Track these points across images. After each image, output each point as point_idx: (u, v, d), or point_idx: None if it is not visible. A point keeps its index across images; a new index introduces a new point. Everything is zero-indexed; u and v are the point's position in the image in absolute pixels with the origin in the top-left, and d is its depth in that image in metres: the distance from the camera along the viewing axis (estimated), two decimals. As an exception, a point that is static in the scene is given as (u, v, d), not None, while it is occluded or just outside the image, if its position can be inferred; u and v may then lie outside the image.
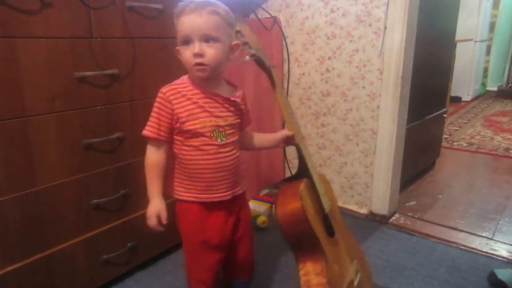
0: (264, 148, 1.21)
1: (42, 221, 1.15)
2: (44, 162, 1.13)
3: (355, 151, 1.91)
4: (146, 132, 0.97)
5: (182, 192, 1.02)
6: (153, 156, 0.99)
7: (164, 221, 0.99)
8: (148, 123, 0.97)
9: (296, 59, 2.00)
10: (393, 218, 1.93)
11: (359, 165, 1.91)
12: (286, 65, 2.03)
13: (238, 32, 0.99)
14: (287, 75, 2.04)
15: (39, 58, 1.07)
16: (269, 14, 1.92)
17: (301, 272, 1.04)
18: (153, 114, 0.97)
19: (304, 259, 1.05)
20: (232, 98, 1.00)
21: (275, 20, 1.93)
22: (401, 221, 1.90)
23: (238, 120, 1.03)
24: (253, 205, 1.88)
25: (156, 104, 0.96)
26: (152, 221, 0.98)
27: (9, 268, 1.09)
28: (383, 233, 1.79)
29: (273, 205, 1.05)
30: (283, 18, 1.98)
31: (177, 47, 0.97)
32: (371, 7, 1.71)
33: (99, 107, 1.23)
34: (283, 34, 1.97)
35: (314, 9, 1.88)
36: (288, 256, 1.56)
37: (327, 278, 1.00)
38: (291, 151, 2.14)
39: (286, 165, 2.18)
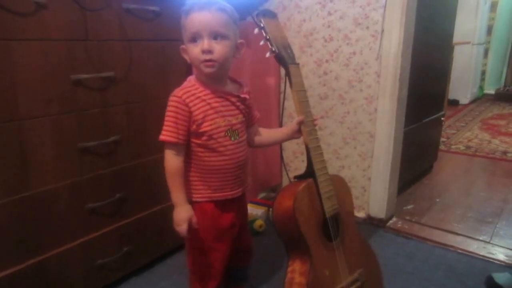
0: (276, 143, 1.22)
1: (36, 226, 1.14)
2: (38, 165, 1.11)
3: (352, 155, 1.90)
4: (165, 137, 0.95)
5: (195, 194, 1.04)
6: (174, 162, 0.98)
7: (196, 226, 1.00)
8: (165, 127, 0.96)
9: (294, 62, 1.99)
10: (391, 221, 1.92)
11: (357, 168, 1.91)
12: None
13: (262, 28, 1.01)
14: (284, 78, 2.03)
15: (34, 61, 1.06)
16: (267, 16, 1.91)
17: (289, 269, 1.07)
18: (169, 118, 0.95)
19: (294, 257, 1.07)
20: (242, 95, 1.01)
21: (272, 23, 1.92)
22: (399, 225, 1.89)
23: (246, 116, 1.06)
24: (250, 208, 1.86)
25: (171, 108, 0.95)
26: (183, 227, 0.98)
27: (2, 274, 1.08)
28: (380, 237, 1.78)
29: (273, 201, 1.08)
30: (280, 20, 1.96)
31: (183, 46, 0.97)
32: (369, 10, 1.71)
33: (94, 110, 1.22)
34: (280, 37, 1.96)
35: (312, 12, 1.88)
36: (284, 260, 1.54)
37: (308, 280, 1.02)
38: (288, 154, 2.14)
39: (283, 168, 2.17)
